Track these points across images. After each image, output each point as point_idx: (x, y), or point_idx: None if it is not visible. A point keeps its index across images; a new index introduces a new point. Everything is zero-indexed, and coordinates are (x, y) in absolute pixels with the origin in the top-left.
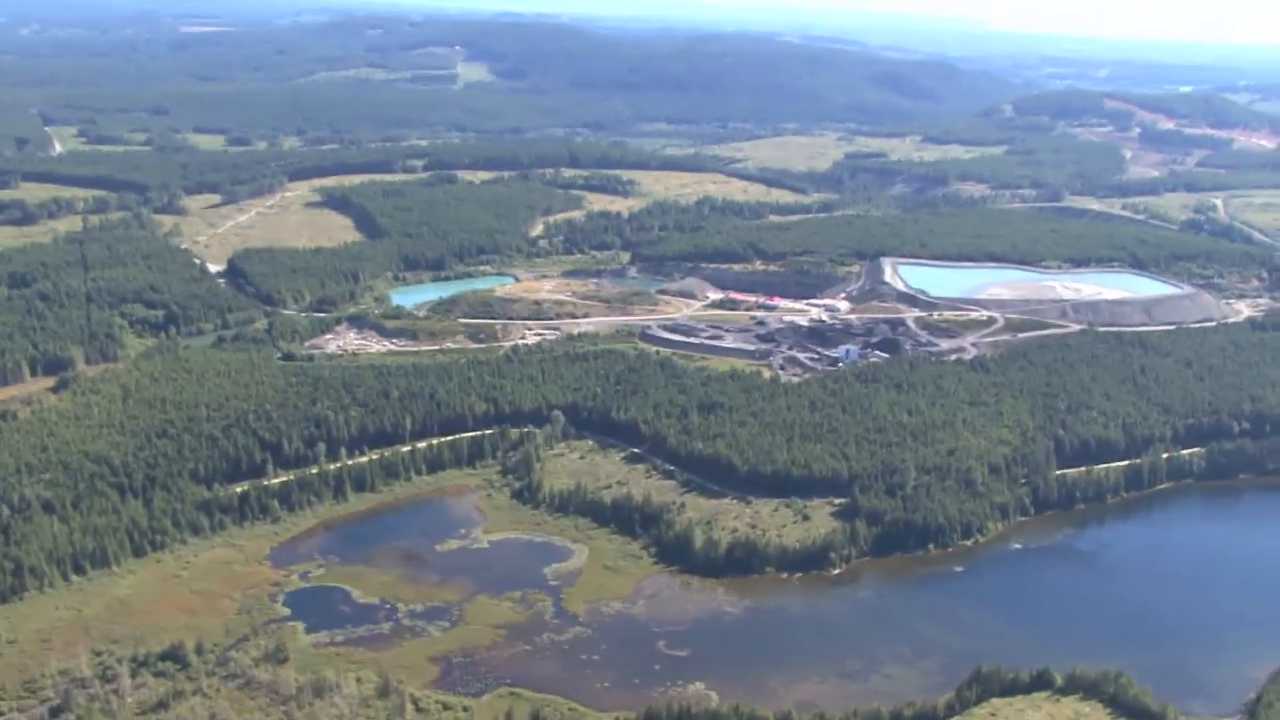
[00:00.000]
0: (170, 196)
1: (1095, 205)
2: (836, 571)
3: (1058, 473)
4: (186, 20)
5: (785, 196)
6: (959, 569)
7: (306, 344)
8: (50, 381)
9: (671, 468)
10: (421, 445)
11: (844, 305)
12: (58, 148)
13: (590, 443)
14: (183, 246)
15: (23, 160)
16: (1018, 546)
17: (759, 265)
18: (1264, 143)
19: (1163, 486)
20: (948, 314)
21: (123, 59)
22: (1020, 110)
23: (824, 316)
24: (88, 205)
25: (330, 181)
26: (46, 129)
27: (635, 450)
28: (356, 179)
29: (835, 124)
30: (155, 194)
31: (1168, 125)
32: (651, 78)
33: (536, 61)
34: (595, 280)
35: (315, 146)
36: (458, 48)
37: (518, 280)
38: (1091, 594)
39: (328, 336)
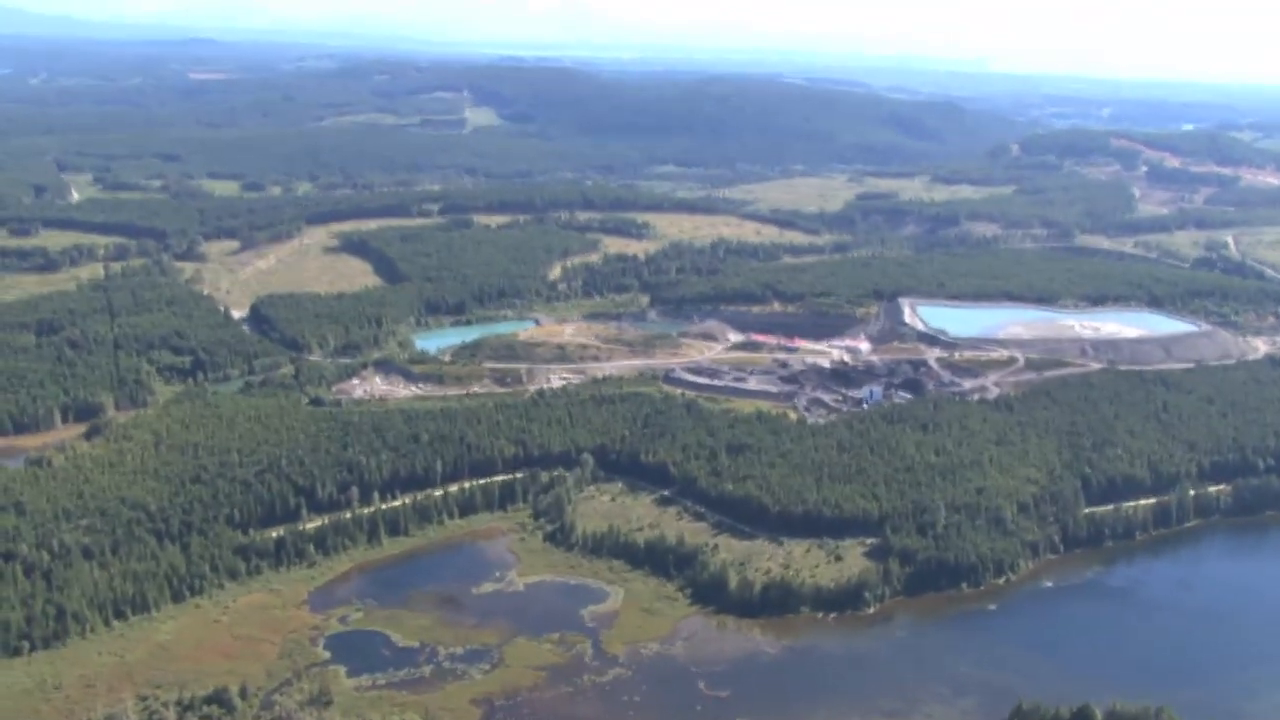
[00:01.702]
0: (190, 243)
1: (1106, 244)
2: (871, 611)
3: (1086, 510)
4: (193, 67)
5: (798, 238)
6: (992, 607)
7: (334, 389)
8: (81, 428)
9: (702, 509)
10: (453, 489)
11: (865, 346)
12: (75, 195)
13: (620, 485)
14: (205, 293)
15: (42, 208)
16: (1049, 584)
17: (778, 307)
18: (1271, 179)
19: (1190, 524)
20: (968, 354)
21: (132, 106)
22: (1027, 149)
23: (846, 358)
24: (108, 252)
25: (347, 226)
26: (62, 176)
27: (665, 492)
28: (373, 224)
29: (844, 165)
30: (175, 240)
31: (1174, 163)
32: (657, 121)
33: (542, 106)
34: (616, 323)
35: (329, 191)
36: (465, 92)
37: (539, 324)
38: (1126, 631)
39: (354, 381)
